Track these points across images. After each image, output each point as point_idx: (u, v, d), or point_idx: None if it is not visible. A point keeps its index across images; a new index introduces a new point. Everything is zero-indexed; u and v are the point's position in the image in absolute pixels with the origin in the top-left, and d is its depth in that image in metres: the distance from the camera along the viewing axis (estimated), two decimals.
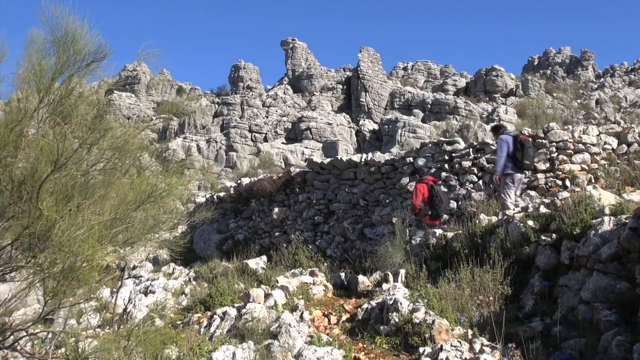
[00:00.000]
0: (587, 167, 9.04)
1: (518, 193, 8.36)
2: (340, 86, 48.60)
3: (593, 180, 8.71)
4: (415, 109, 41.47)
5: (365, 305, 6.04)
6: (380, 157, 11.87)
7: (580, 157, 9.05)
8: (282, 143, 38.66)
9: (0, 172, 2.86)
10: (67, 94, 3.07)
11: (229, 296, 6.95)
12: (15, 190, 2.82)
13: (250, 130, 39.25)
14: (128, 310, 6.52)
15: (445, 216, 9.17)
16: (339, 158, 12.42)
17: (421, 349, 4.65)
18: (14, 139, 2.92)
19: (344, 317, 6.14)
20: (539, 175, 8.96)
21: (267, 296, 6.64)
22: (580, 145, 9.20)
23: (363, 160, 11.88)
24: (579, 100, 41.57)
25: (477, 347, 4.53)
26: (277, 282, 7.48)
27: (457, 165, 10.15)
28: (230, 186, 15.66)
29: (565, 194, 7.90)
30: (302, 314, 5.84)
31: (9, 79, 3.29)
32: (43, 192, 2.69)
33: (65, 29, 3.06)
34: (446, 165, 10.34)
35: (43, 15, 3.07)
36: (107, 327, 5.97)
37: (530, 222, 6.43)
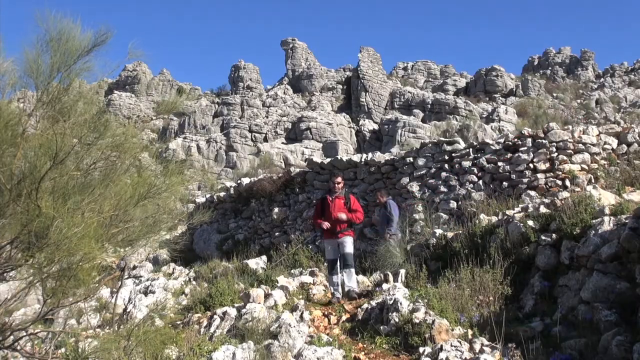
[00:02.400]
0: (587, 167, 9.04)
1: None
2: (340, 86, 48.53)
3: (593, 180, 8.70)
4: (415, 109, 41.42)
5: (365, 305, 6.03)
6: (380, 157, 11.87)
7: (580, 157, 9.05)
8: (282, 143, 38.63)
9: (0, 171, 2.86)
10: (65, 90, 3.08)
11: (229, 296, 6.94)
12: (15, 188, 2.82)
13: (250, 130, 39.23)
14: (128, 310, 6.51)
15: None
16: (339, 158, 12.42)
17: (421, 349, 4.65)
18: (12, 137, 2.92)
19: (344, 317, 6.14)
20: (539, 175, 8.96)
21: (267, 296, 6.64)
22: (580, 145, 9.20)
23: (363, 160, 11.88)
24: (579, 100, 41.54)
25: (477, 347, 4.52)
26: (277, 282, 7.47)
27: (457, 165, 10.15)
28: (230, 186, 15.65)
29: (565, 194, 7.89)
30: (302, 314, 5.84)
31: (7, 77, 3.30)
32: (42, 189, 2.69)
33: (61, 30, 3.10)
34: (446, 165, 10.34)
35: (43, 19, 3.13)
36: (107, 327, 5.96)
37: (530, 222, 6.43)
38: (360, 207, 7.48)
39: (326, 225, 7.16)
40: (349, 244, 7.21)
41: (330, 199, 7.30)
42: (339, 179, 7.53)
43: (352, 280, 7.09)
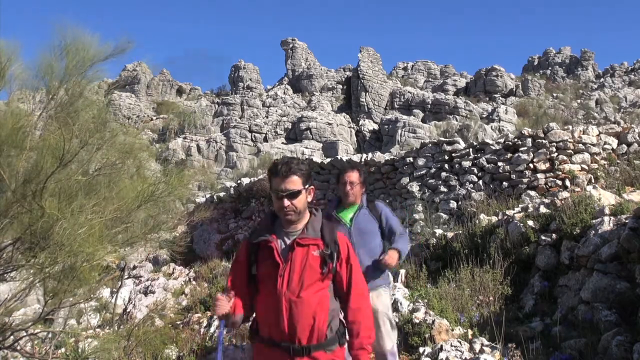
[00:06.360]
0: (587, 167, 9.04)
1: None
2: (340, 86, 48.54)
3: (593, 180, 8.70)
4: (415, 109, 41.42)
5: None
6: (380, 157, 11.88)
7: (580, 157, 9.05)
8: (282, 143, 38.62)
9: (4, 172, 2.87)
10: (76, 97, 3.10)
11: None
12: (19, 188, 2.83)
13: (250, 130, 39.23)
14: (128, 310, 6.52)
15: None
16: (339, 158, 12.43)
17: (421, 349, 4.65)
18: (19, 139, 2.93)
19: None
20: (539, 175, 8.96)
21: None
22: (580, 145, 9.20)
23: (363, 160, 11.89)
24: (579, 100, 41.54)
25: (477, 347, 4.52)
26: None
27: (457, 165, 10.15)
28: (230, 186, 15.66)
29: (565, 194, 7.89)
30: None
31: (14, 80, 3.32)
32: (47, 191, 2.70)
33: (76, 37, 3.14)
34: (446, 165, 10.34)
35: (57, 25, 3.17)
36: (107, 327, 5.98)
37: (530, 222, 6.43)
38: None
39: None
40: None
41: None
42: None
43: None
